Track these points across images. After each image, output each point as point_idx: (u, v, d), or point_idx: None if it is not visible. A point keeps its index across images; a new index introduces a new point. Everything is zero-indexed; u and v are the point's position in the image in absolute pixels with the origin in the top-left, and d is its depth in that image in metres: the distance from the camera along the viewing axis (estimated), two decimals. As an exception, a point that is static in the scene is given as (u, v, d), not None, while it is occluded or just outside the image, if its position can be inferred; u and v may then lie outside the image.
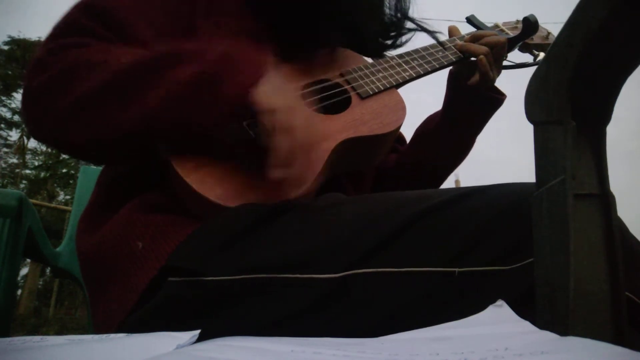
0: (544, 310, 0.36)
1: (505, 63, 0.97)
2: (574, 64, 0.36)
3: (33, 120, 0.66)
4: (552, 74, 0.38)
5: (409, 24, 0.94)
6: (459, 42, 0.93)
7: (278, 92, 0.62)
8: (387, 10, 0.93)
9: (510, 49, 0.97)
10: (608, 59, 0.37)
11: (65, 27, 0.70)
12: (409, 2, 0.94)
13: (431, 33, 0.93)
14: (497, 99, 0.90)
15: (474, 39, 0.93)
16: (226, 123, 0.63)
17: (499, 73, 0.92)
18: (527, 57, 1.03)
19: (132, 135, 0.62)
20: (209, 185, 0.61)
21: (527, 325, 0.33)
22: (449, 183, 1.06)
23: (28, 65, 0.68)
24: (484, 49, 0.88)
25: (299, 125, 0.61)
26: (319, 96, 0.76)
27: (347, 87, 0.79)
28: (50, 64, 0.65)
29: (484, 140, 0.96)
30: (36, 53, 0.68)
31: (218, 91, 0.60)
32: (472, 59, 0.90)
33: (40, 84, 0.64)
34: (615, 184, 0.39)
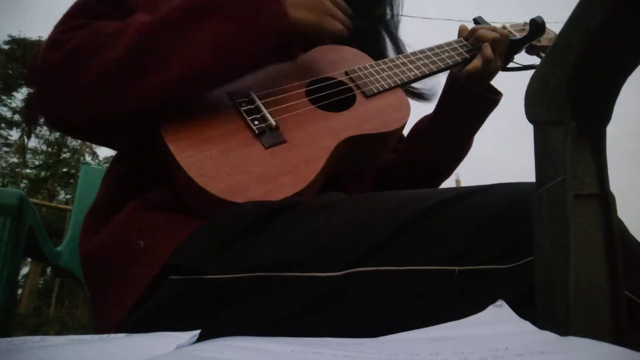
0: (544, 310, 0.36)
1: (512, 65, 0.97)
2: (574, 64, 0.36)
3: (49, 97, 0.65)
4: (552, 74, 0.38)
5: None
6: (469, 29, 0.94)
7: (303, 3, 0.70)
8: None
9: (517, 51, 0.97)
10: (608, 59, 0.37)
11: (78, 10, 0.70)
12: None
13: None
14: (492, 99, 0.90)
15: (472, 32, 0.94)
16: (273, 51, 0.68)
17: (501, 66, 0.92)
18: (534, 60, 1.03)
19: (175, 89, 0.63)
20: (211, 179, 0.61)
21: (527, 325, 0.33)
22: (449, 183, 1.06)
23: (43, 47, 0.67)
24: (493, 34, 0.90)
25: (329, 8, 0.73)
26: (323, 93, 0.76)
27: (351, 85, 0.79)
28: (64, 42, 0.65)
29: (484, 140, 0.96)
30: (50, 34, 0.68)
31: (253, 34, 0.65)
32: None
33: (55, 59, 0.64)
34: (615, 184, 0.39)
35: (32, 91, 0.67)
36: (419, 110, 0.89)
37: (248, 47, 0.65)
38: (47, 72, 0.65)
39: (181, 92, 0.64)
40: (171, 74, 0.62)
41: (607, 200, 0.37)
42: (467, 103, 0.90)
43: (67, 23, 0.68)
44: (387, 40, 1.01)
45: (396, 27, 1.02)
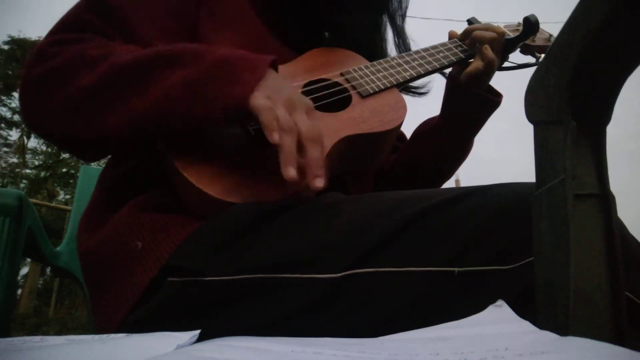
0: (544, 310, 0.36)
1: (506, 64, 0.97)
2: (574, 64, 0.36)
3: (29, 110, 0.66)
4: (552, 74, 0.38)
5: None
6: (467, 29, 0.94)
7: (277, 91, 0.61)
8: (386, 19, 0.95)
9: (512, 50, 0.97)
10: (608, 59, 0.37)
11: (69, 22, 0.71)
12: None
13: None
14: (494, 100, 0.90)
15: (467, 33, 0.94)
16: (223, 125, 0.63)
17: (500, 62, 0.93)
18: (529, 60, 1.03)
19: (128, 131, 0.62)
20: (208, 180, 0.61)
21: (527, 325, 0.33)
22: (449, 183, 1.06)
23: (28, 56, 0.68)
24: (491, 34, 0.90)
25: (300, 119, 0.59)
26: (319, 94, 0.76)
27: (347, 85, 0.79)
28: (50, 56, 0.65)
29: (484, 140, 0.97)
30: (37, 45, 0.68)
31: (215, 94, 0.60)
32: (470, 60, 0.91)
33: (38, 75, 0.65)
34: (615, 184, 0.39)
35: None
36: (417, 110, 0.89)
37: (203, 106, 0.60)
38: (29, 85, 0.66)
39: (134, 131, 0.62)
40: (128, 113, 0.61)
41: (607, 200, 0.37)
42: (469, 105, 0.90)
43: (55, 36, 0.68)
44: (392, 37, 1.00)
45: (403, 19, 1.01)
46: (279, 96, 0.60)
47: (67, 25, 0.70)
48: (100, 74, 0.62)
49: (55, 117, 0.64)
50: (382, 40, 0.97)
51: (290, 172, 0.56)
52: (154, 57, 0.63)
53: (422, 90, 0.99)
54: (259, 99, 0.59)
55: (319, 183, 0.57)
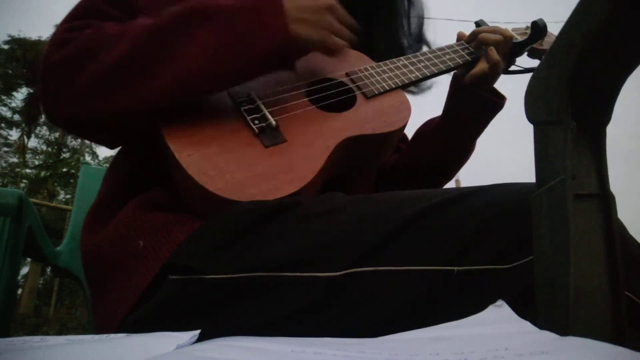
0: (544, 310, 0.36)
1: (513, 68, 0.97)
2: (574, 64, 0.36)
3: (52, 95, 0.66)
4: (552, 74, 0.38)
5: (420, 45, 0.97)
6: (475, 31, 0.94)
7: (303, 9, 0.68)
8: (405, 28, 0.96)
9: (519, 53, 0.97)
10: (608, 59, 0.37)
11: (82, 9, 0.71)
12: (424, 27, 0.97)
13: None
14: (497, 102, 0.90)
15: (474, 35, 0.94)
16: (272, 63, 0.68)
17: (506, 66, 0.93)
18: (537, 64, 1.02)
19: (172, 92, 0.63)
20: (210, 177, 0.61)
21: (527, 325, 0.33)
22: (449, 183, 1.06)
23: (47, 44, 0.68)
24: (497, 37, 0.90)
25: (332, 22, 0.71)
26: (324, 94, 0.76)
27: (352, 86, 0.79)
28: (68, 40, 0.66)
29: (484, 140, 0.96)
30: (54, 33, 0.69)
31: (258, 31, 0.64)
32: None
33: (60, 59, 0.65)
34: (615, 184, 0.39)
35: (36, 88, 0.68)
36: (420, 111, 0.89)
37: (246, 59, 0.65)
38: (51, 70, 0.66)
39: (176, 96, 0.65)
40: (167, 78, 0.63)
41: (607, 200, 0.37)
42: (473, 106, 0.90)
43: (72, 22, 0.69)
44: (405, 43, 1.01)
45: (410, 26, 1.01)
46: (308, 14, 0.68)
47: (81, 13, 0.71)
48: (128, 44, 0.63)
49: (85, 96, 0.64)
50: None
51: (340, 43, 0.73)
52: (179, 15, 0.65)
53: (422, 87, 0.99)
54: (297, 29, 0.67)
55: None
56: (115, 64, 0.63)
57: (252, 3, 0.66)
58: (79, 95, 0.64)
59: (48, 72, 0.66)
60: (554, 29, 1.00)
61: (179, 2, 0.68)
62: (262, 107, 0.70)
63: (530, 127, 0.39)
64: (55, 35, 0.67)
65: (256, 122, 0.68)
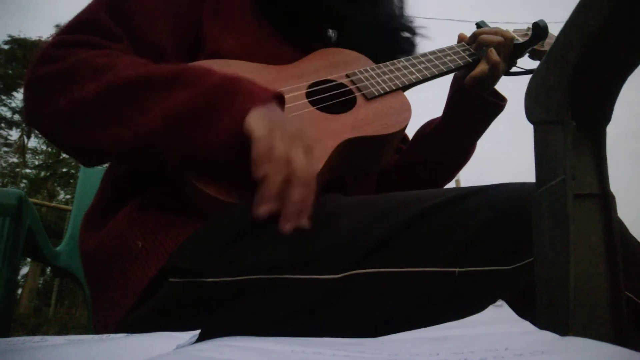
0: (544, 310, 0.36)
1: (515, 69, 0.97)
2: (574, 64, 0.36)
3: (30, 108, 0.66)
4: (552, 74, 0.38)
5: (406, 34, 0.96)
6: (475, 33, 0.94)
7: (279, 121, 0.57)
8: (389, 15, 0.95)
9: (521, 55, 0.97)
10: (608, 59, 0.37)
11: (81, 22, 0.70)
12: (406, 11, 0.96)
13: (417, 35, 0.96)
14: (498, 104, 0.90)
15: (475, 36, 0.94)
16: (222, 153, 0.58)
17: (508, 67, 0.93)
18: (537, 65, 1.02)
19: (123, 151, 0.61)
20: (209, 179, 0.61)
21: (527, 325, 0.33)
22: (449, 183, 1.06)
23: (37, 52, 0.67)
24: (498, 38, 0.90)
25: (297, 156, 0.55)
26: (324, 95, 0.76)
27: (352, 87, 0.79)
28: (56, 58, 0.65)
29: (484, 140, 0.96)
30: (47, 42, 0.68)
31: (213, 121, 0.58)
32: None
33: (43, 75, 0.65)
34: (615, 184, 0.39)
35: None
36: (419, 111, 0.89)
37: (201, 132, 0.58)
38: (33, 84, 0.66)
39: (137, 149, 0.61)
40: (125, 132, 0.60)
41: (607, 200, 0.37)
42: (473, 108, 0.90)
43: (63, 37, 0.68)
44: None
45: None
46: (280, 125, 0.56)
47: (79, 25, 0.70)
48: (99, 88, 0.61)
49: (53, 121, 0.64)
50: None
51: (262, 210, 0.54)
52: (153, 77, 0.61)
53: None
54: (256, 122, 0.55)
55: (288, 228, 0.54)
56: (87, 100, 0.61)
57: (233, 91, 0.59)
58: (51, 118, 0.64)
59: (30, 85, 0.66)
60: (554, 29, 1.00)
61: (167, 24, 0.68)
62: None
63: (530, 127, 0.39)
64: (44, 49, 0.67)
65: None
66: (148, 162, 0.64)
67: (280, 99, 0.62)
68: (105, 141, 0.61)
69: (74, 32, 0.69)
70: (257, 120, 0.56)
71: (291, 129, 0.57)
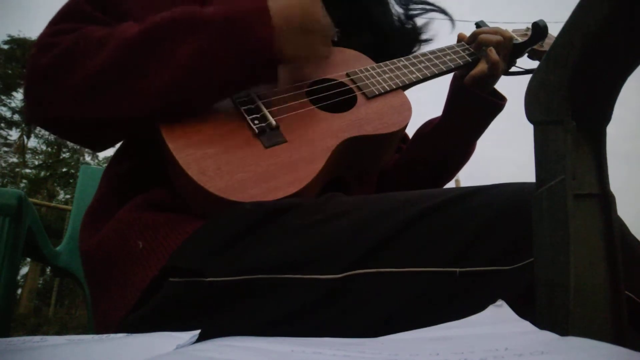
0: (544, 310, 0.36)
1: (514, 69, 0.97)
2: (574, 64, 0.36)
3: (37, 99, 0.66)
4: (552, 74, 0.38)
5: (418, 5, 0.97)
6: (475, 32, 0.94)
7: (289, 20, 0.66)
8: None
9: (520, 55, 0.97)
10: (608, 59, 0.37)
11: (67, 12, 0.71)
12: None
13: (442, 11, 0.96)
14: (498, 104, 0.90)
15: (474, 36, 0.94)
16: (255, 76, 0.66)
17: (507, 67, 0.93)
18: (537, 65, 1.02)
19: (157, 104, 0.62)
20: (209, 177, 0.61)
21: (527, 325, 0.33)
22: (449, 183, 1.06)
23: (32, 49, 0.68)
24: (497, 37, 0.90)
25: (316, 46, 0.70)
26: (324, 94, 0.76)
27: (352, 86, 0.79)
28: (53, 45, 0.65)
29: (484, 140, 0.96)
30: (38, 37, 0.69)
31: (236, 54, 0.63)
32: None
33: (45, 64, 0.65)
34: (615, 184, 0.39)
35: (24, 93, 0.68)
36: (418, 110, 0.89)
37: (230, 69, 0.64)
38: (36, 74, 0.66)
39: (162, 105, 0.64)
40: (152, 86, 0.62)
41: (607, 200, 0.37)
42: (473, 108, 0.90)
43: (57, 25, 0.68)
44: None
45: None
46: (294, 29, 0.66)
47: (66, 16, 0.70)
48: (110, 53, 0.62)
49: (67, 101, 0.63)
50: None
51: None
52: (160, 26, 0.63)
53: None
54: (283, 48, 0.65)
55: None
56: (100, 70, 0.62)
57: (239, 15, 0.64)
58: (64, 100, 0.64)
59: (33, 76, 0.66)
60: (554, 29, 1.00)
61: (166, 7, 0.68)
62: (262, 107, 0.70)
63: (530, 127, 0.39)
64: (40, 39, 0.67)
65: (256, 122, 0.68)
66: (176, 113, 0.66)
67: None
68: (132, 100, 0.62)
69: (62, 22, 0.69)
70: (280, 40, 0.65)
71: (300, 20, 0.67)
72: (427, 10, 0.99)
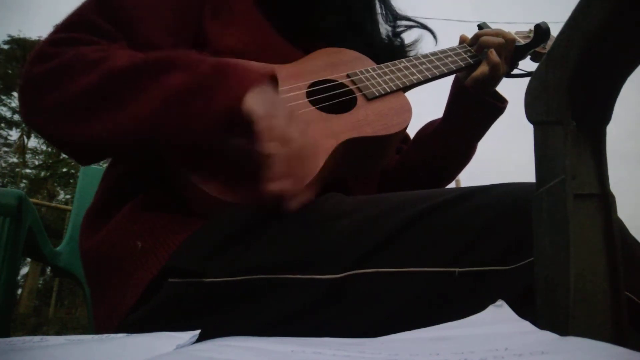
0: (544, 310, 0.36)
1: (516, 71, 0.97)
2: (574, 64, 0.36)
3: (27, 108, 0.66)
4: (552, 74, 0.38)
5: (403, 22, 0.97)
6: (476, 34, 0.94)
7: (275, 101, 0.59)
8: (380, 10, 0.96)
9: (522, 57, 0.97)
10: (608, 59, 0.37)
11: (74, 21, 0.70)
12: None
13: (425, 27, 0.96)
14: (497, 106, 0.90)
15: (476, 38, 0.94)
16: (220, 135, 0.59)
17: (506, 71, 0.93)
18: None
19: (121, 139, 0.61)
20: (208, 178, 0.61)
21: (527, 325, 0.33)
22: (450, 183, 1.06)
23: (31, 53, 0.68)
24: (499, 39, 0.90)
25: (294, 133, 0.58)
26: (324, 95, 0.76)
27: (353, 87, 0.79)
28: (50, 56, 0.65)
29: (484, 140, 0.96)
30: (41, 42, 0.68)
31: (209, 100, 0.58)
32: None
33: (38, 74, 0.65)
34: (615, 184, 0.39)
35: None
36: (417, 111, 0.89)
37: (204, 116, 0.59)
38: (30, 82, 0.66)
39: (133, 138, 0.61)
40: (124, 119, 0.60)
41: (607, 200, 0.37)
42: (473, 110, 0.90)
43: (60, 34, 0.68)
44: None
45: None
46: (276, 106, 0.59)
47: (72, 25, 0.70)
48: (95, 79, 0.61)
49: (51, 118, 0.63)
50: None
51: (274, 187, 0.55)
52: (148, 62, 0.62)
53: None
54: (255, 103, 0.57)
55: (293, 205, 0.57)
56: (79, 94, 0.61)
57: (228, 73, 0.60)
58: (48, 115, 0.63)
59: (26, 85, 0.66)
60: (554, 29, 1.00)
61: (168, 16, 0.68)
62: None
63: (530, 127, 0.39)
64: (42, 46, 0.67)
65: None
66: (147, 152, 0.64)
67: (273, 79, 0.63)
68: (105, 130, 0.60)
69: (67, 31, 0.69)
70: (255, 100, 0.57)
71: (287, 108, 0.61)
72: (411, 27, 1.00)
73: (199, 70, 0.60)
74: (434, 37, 0.99)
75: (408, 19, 1.00)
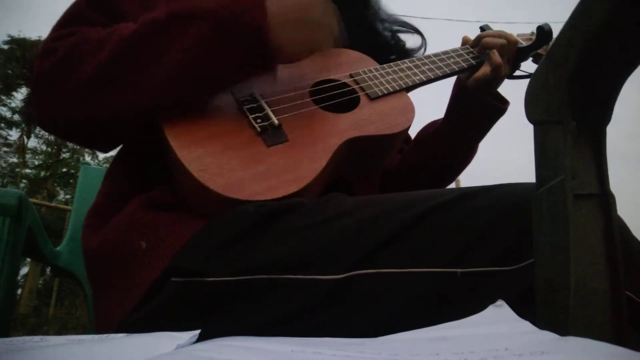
0: (544, 310, 0.36)
1: (518, 73, 0.97)
2: (574, 64, 0.36)
3: (44, 102, 0.67)
4: (552, 74, 0.38)
5: (394, 26, 0.98)
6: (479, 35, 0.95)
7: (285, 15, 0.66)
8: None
9: (524, 58, 0.97)
10: (608, 59, 0.37)
11: (69, 17, 0.72)
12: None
13: (417, 31, 0.97)
14: (499, 107, 0.90)
15: (479, 39, 0.94)
16: (253, 60, 0.66)
17: (508, 72, 0.93)
18: None
19: (159, 97, 0.63)
20: (211, 175, 0.61)
21: (527, 325, 0.33)
22: (450, 183, 1.06)
23: (36, 53, 0.69)
24: (501, 41, 0.90)
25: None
26: (327, 94, 0.76)
27: (355, 87, 0.79)
28: (56, 48, 0.67)
29: (485, 140, 0.96)
30: (43, 42, 0.70)
31: (235, 31, 0.63)
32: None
33: (49, 67, 0.66)
34: (615, 184, 0.39)
35: (31, 97, 0.69)
36: (419, 111, 0.89)
37: (224, 56, 0.65)
38: (40, 79, 0.67)
39: (163, 99, 0.65)
40: (150, 82, 0.63)
41: (607, 200, 0.37)
42: (475, 110, 0.90)
43: (58, 31, 0.70)
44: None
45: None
46: (290, 20, 0.66)
47: (68, 21, 0.72)
48: (112, 49, 0.63)
49: (74, 102, 0.65)
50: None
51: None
52: (158, 20, 0.64)
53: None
54: (276, 36, 0.64)
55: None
56: (99, 69, 0.63)
57: (233, 4, 0.65)
58: (70, 100, 0.65)
59: (38, 81, 0.67)
60: (554, 29, 1.00)
61: (162, 5, 0.68)
62: (265, 106, 0.70)
63: (530, 127, 0.39)
64: (43, 46, 0.69)
65: (259, 121, 0.68)
66: (177, 104, 0.66)
67: None
68: (133, 96, 0.62)
69: (65, 27, 0.70)
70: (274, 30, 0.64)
71: (296, 15, 0.68)
72: (404, 31, 1.01)
73: (206, 15, 0.64)
74: (423, 39, 1.01)
75: (402, 22, 1.01)
